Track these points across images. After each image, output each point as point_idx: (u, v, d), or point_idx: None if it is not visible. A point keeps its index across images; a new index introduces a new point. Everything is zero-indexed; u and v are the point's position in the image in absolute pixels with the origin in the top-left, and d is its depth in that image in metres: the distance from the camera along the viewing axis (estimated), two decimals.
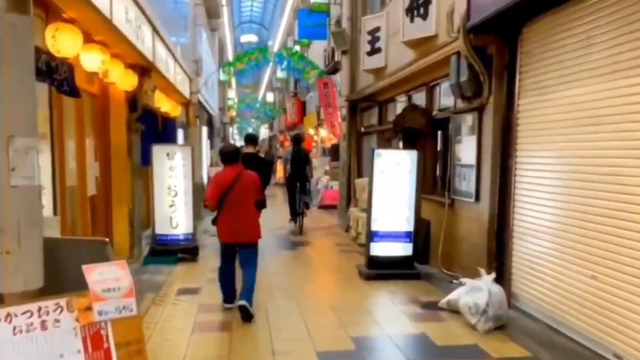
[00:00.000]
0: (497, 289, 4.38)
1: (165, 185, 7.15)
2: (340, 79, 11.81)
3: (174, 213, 7.22)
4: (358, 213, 8.63)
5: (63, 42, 4.17)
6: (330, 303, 5.27)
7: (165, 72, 8.10)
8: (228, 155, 4.95)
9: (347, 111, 11.50)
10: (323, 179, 14.25)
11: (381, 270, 6.19)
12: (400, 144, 7.71)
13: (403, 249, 6.30)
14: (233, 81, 34.64)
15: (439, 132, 7.10)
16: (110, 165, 6.76)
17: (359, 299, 5.45)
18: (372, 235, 6.25)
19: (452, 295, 4.68)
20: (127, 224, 6.85)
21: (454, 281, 6.00)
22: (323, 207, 13.91)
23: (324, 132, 14.02)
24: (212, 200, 4.83)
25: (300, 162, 10.54)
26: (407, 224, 6.28)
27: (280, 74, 25.34)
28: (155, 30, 6.90)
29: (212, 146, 21.32)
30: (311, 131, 15.13)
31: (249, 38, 35.01)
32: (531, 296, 4.65)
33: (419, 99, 7.82)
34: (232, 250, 4.97)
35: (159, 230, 7.20)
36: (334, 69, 12.14)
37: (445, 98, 6.78)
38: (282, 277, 6.38)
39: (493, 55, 5.01)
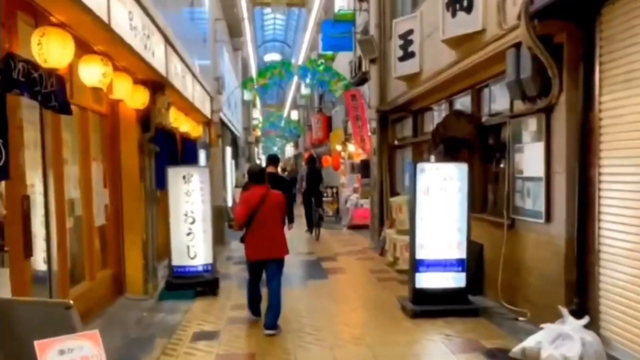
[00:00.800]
0: (591, 337, 3.45)
1: (181, 212, 6.45)
2: (369, 90, 11.03)
3: (192, 242, 6.49)
4: (395, 235, 7.75)
5: (51, 49, 3.52)
6: (373, 351, 4.38)
7: (182, 89, 7.49)
8: (255, 175, 5.21)
9: (377, 124, 10.70)
10: (352, 197, 13.41)
11: (430, 305, 5.29)
12: (433, 157, 6.84)
13: (455, 280, 5.39)
14: (257, 101, 34.41)
15: (489, 141, 6.21)
16: (121, 192, 6.10)
17: (406, 345, 4.55)
18: (416, 265, 5.37)
19: (528, 343, 3.75)
20: (141, 255, 6.15)
21: (520, 318, 5.07)
22: (353, 227, 13.05)
23: (352, 148, 13.23)
24: (241, 219, 5.04)
25: (314, 179, 11.99)
26: (458, 250, 5.38)
27: (304, 90, 24.77)
28: (168, 42, 6.28)
29: (237, 166, 20.80)
30: (338, 147, 14.36)
31: (273, 57, 34.76)
32: (629, 341, 3.69)
33: (463, 104, 6.96)
34: (259, 268, 5.22)
35: (176, 261, 6.48)
36: (361, 80, 11.40)
37: (497, 101, 5.92)
38: (312, 315, 5.53)
39: (563, 44, 4.16)
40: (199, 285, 6.37)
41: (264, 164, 9.88)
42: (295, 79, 29.82)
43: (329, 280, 7.26)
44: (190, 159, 9.73)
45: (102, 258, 5.88)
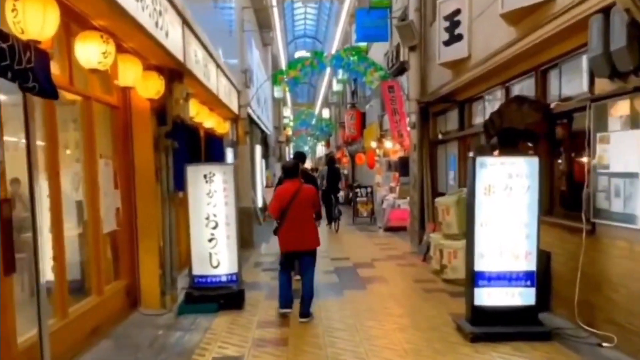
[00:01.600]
0: None
1: (202, 215, 5.76)
2: (408, 81, 10.14)
3: (214, 249, 5.80)
4: (441, 241, 6.86)
5: (28, 17, 2.85)
6: None
7: (204, 79, 6.82)
8: (289, 170, 5.51)
9: (417, 117, 9.79)
10: (389, 197, 12.52)
11: (492, 327, 4.40)
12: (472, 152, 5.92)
13: (522, 296, 4.49)
14: (288, 98, 33.86)
15: (559, 131, 5.27)
16: (135, 193, 5.46)
17: None
18: (475, 278, 4.49)
19: None
20: (157, 264, 5.50)
21: (605, 344, 4.14)
22: (390, 229, 12.16)
23: (388, 144, 12.35)
24: (275, 212, 5.33)
25: (334, 178, 13.00)
26: (526, 261, 4.47)
27: (336, 86, 23.96)
28: (186, 23, 5.60)
29: (267, 166, 20.20)
30: (373, 144, 13.49)
31: (303, 53, 34.19)
32: None
33: (523, 90, 6.02)
34: (292, 260, 5.48)
35: (197, 270, 5.80)
36: (399, 70, 10.52)
37: (570, 83, 4.97)
38: (351, 337, 4.72)
39: None
40: (223, 297, 5.66)
41: None
42: (327, 74, 29.28)
43: (367, 291, 6.43)
44: (215, 157, 9.07)
45: (113, 268, 5.25)
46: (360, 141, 16.87)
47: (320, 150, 40.99)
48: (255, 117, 13.60)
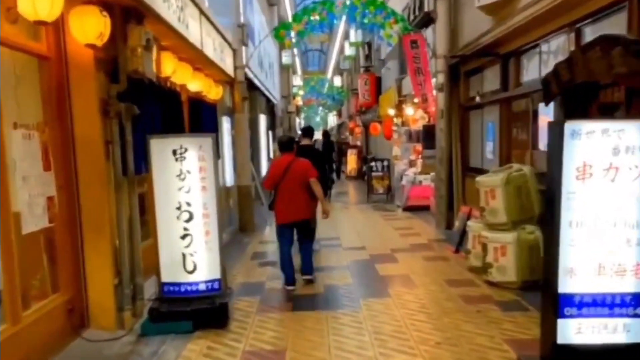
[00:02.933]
0: None
1: (172, 204, 4.34)
2: (434, 34, 8.48)
3: (189, 248, 4.39)
4: (486, 232, 5.36)
5: None
6: None
7: (179, 26, 5.28)
8: (284, 144, 5.73)
9: (446, 77, 8.20)
10: (409, 172, 10.99)
11: None
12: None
13: (630, 330, 3.02)
14: (298, 65, 31.98)
15: None
16: (76, 176, 4.04)
17: None
18: (560, 304, 3.02)
19: None
20: (111, 270, 4.12)
21: None
22: (410, 208, 10.70)
23: (409, 111, 10.74)
24: (270, 183, 5.60)
25: (328, 150, 13.09)
26: (636, 279, 2.99)
27: (349, 50, 22.15)
28: None
29: (274, 138, 18.70)
30: (390, 111, 11.88)
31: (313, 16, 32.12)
32: None
33: (604, 32, 4.41)
34: (290, 232, 5.51)
35: (166, 276, 4.41)
36: (424, 22, 8.82)
37: None
38: None
39: None
40: (200, 313, 4.28)
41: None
42: (339, 39, 27.32)
43: (392, 300, 4.97)
44: (206, 128, 7.62)
45: (49, 279, 3.88)
46: (375, 109, 15.25)
47: (332, 120, 39.29)
48: (257, 82, 12.02)
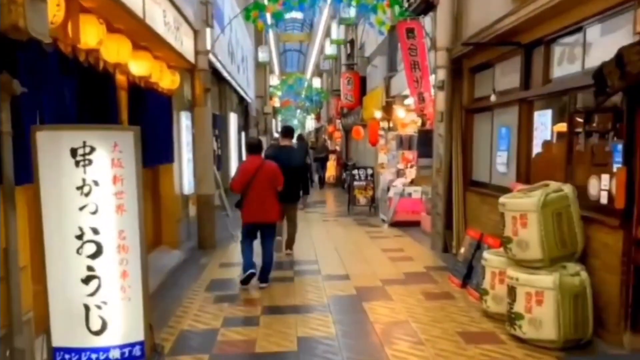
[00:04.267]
0: None
1: (70, 231, 2.88)
2: (434, 23, 7.21)
3: (95, 297, 2.93)
4: (517, 273, 4.01)
5: None
6: None
7: None
8: (252, 146, 5.86)
9: (447, 73, 6.94)
10: (397, 183, 9.68)
11: None
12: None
13: None
14: (275, 64, 30.49)
15: None
16: None
17: None
18: None
19: None
20: None
21: None
22: (397, 224, 9.41)
23: (401, 113, 9.45)
24: (238, 185, 5.56)
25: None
26: None
27: (330, 49, 20.82)
28: None
29: (247, 138, 17.20)
30: (377, 114, 10.57)
31: (293, 14, 30.70)
32: None
33: None
34: (253, 230, 5.65)
35: (60, 339, 2.94)
36: (423, 8, 7.53)
37: None
38: None
39: None
40: None
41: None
42: (319, 37, 25.98)
43: None
44: (154, 124, 6.17)
45: None
46: (358, 111, 13.94)
47: (310, 124, 37.92)
48: (226, 75, 10.57)
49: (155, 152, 6.30)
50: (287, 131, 7.46)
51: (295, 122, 40.42)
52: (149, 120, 5.91)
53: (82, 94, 4.01)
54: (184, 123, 7.82)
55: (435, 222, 7.26)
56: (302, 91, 27.55)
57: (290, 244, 7.07)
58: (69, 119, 3.68)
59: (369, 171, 11.63)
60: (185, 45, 6.87)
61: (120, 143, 2.91)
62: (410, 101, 9.86)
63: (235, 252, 7.31)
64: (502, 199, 4.20)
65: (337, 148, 20.61)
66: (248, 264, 5.53)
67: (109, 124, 4.48)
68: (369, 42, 14.22)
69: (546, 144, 5.10)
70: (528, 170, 5.32)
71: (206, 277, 6.06)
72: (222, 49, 9.67)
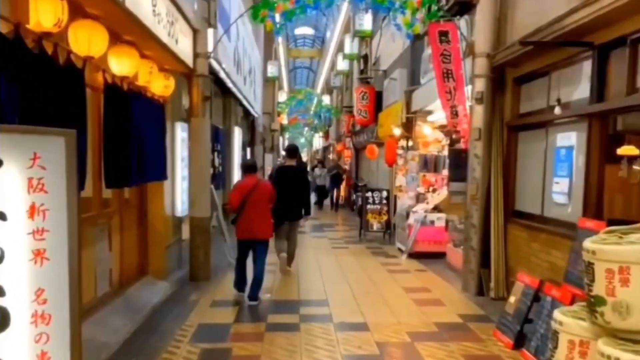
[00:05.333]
0: None
1: None
2: (473, 25, 6.21)
3: None
4: (611, 349, 2.87)
5: None
6: None
7: None
8: (248, 167, 6.08)
9: (487, 84, 5.91)
10: (417, 209, 8.58)
11: None
12: None
13: None
14: (285, 81, 29.70)
15: None
16: None
17: None
18: None
19: None
20: None
21: None
22: (417, 255, 8.30)
23: (427, 130, 8.40)
24: (235, 203, 5.71)
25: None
26: None
27: (342, 64, 19.94)
28: None
29: (252, 155, 16.19)
30: (396, 131, 9.54)
31: (304, 31, 30.05)
32: None
33: None
34: (247, 246, 5.79)
35: None
36: (459, 9, 6.52)
37: None
38: None
39: None
40: None
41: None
42: (330, 54, 25.13)
43: None
44: (146, 137, 5.20)
45: None
46: (373, 129, 12.91)
47: (318, 142, 36.99)
48: (231, 85, 9.62)
49: (144, 167, 5.31)
50: (291, 152, 7.53)
51: (302, 141, 39.54)
52: (136, 130, 4.91)
53: (29, 89, 3.00)
54: (179, 135, 6.81)
55: (468, 257, 6.14)
56: (311, 107, 26.65)
57: (289, 261, 7.11)
58: (5, 114, 2.66)
59: (384, 194, 10.55)
60: (181, 44, 5.90)
61: (43, 154, 1.86)
62: (434, 117, 8.85)
63: (232, 286, 6.24)
64: (589, 244, 3.09)
65: (346, 167, 19.59)
66: (238, 282, 5.87)
67: (72, 124, 3.47)
68: (385, 56, 13.28)
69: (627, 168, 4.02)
70: (600, 203, 4.23)
71: (194, 321, 4.95)
72: (227, 55, 8.74)
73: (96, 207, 4.91)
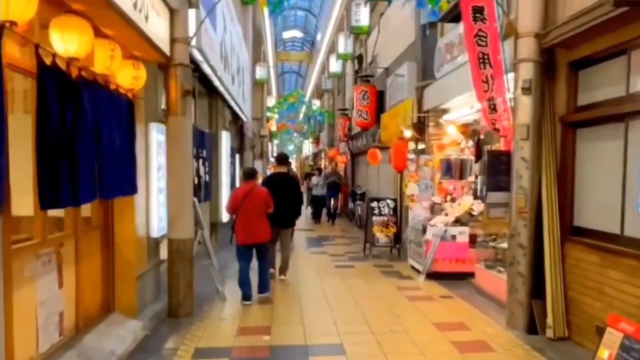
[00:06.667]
0: None
1: None
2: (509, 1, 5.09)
3: None
4: None
5: None
6: None
7: None
8: (248, 174, 6.39)
9: (536, 71, 4.78)
10: (437, 223, 7.40)
11: None
12: None
13: None
14: (273, 85, 28.49)
15: None
16: None
17: None
18: None
19: None
20: None
21: None
22: (435, 275, 7.14)
23: (451, 129, 7.22)
24: (231, 208, 6.18)
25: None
26: None
27: (335, 65, 18.80)
28: None
29: (242, 162, 14.93)
30: (407, 133, 8.37)
31: (293, 33, 28.88)
32: None
33: None
34: (248, 251, 6.06)
35: None
36: None
37: None
38: None
39: None
40: None
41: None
42: (321, 57, 24.01)
43: None
44: (109, 140, 3.99)
45: None
46: (374, 132, 11.75)
47: (308, 148, 35.83)
48: (217, 82, 8.40)
49: (104, 179, 4.09)
50: (281, 159, 7.82)
51: (291, 148, 38.29)
52: (90, 130, 3.68)
53: None
54: (154, 139, 5.57)
55: (514, 285, 4.97)
56: (302, 111, 25.45)
57: (283, 269, 7.09)
58: None
59: (391, 204, 9.38)
60: (154, 26, 4.67)
61: None
62: (451, 116, 7.71)
63: (222, 323, 5.00)
64: None
65: (341, 174, 18.38)
66: (246, 294, 5.88)
67: None
68: (385, 52, 12.16)
69: None
70: None
71: None
72: (212, 47, 7.51)
73: (39, 230, 3.66)
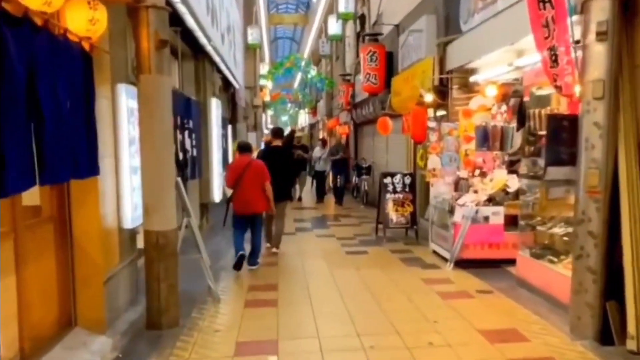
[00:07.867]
0: None
1: None
2: None
3: None
4: None
5: None
6: None
7: None
8: (243, 147, 6.57)
9: (612, 12, 3.64)
10: (465, 201, 6.32)
11: None
12: None
13: None
14: (266, 51, 26.93)
15: None
16: None
17: None
18: None
19: None
20: None
21: None
22: (464, 263, 6.12)
23: (491, 91, 6.05)
24: (230, 181, 6.35)
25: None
26: None
27: (335, 27, 17.36)
28: None
29: (234, 135, 13.73)
30: (428, 97, 7.19)
31: None
32: None
33: None
34: (243, 220, 6.32)
35: None
36: None
37: None
38: None
39: None
40: None
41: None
42: (319, 17, 22.40)
43: None
44: (58, 106, 2.82)
45: None
46: (383, 97, 10.55)
47: (304, 119, 34.43)
48: (203, 39, 7.16)
49: (52, 157, 3.01)
50: (277, 132, 7.83)
51: (285, 119, 36.87)
52: (21, 91, 2.53)
53: None
54: (123, 104, 4.43)
55: (582, 284, 3.93)
56: (298, 77, 23.96)
57: (276, 242, 7.21)
58: None
59: (407, 179, 8.29)
60: None
61: None
62: (481, 77, 6.54)
63: (216, 336, 3.97)
64: None
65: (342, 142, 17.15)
66: (238, 248, 6.15)
67: None
68: (393, 8, 10.83)
69: None
70: None
71: None
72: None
73: None
